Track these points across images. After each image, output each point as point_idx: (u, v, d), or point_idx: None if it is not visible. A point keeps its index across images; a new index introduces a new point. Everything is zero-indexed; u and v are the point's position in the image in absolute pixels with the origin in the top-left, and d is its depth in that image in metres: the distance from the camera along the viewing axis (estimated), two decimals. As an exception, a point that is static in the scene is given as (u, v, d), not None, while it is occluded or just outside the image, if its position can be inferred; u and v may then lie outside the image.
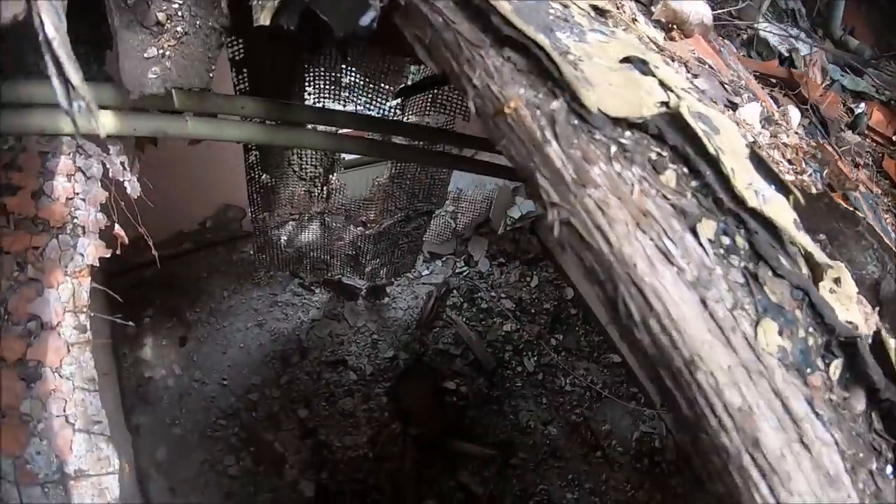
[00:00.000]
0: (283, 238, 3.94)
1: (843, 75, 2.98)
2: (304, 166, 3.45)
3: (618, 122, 0.86)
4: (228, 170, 3.68)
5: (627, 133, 0.86)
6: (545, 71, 0.89)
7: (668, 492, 4.51)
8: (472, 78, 0.92)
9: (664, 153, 0.85)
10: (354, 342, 4.63)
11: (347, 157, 4.22)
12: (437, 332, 4.89)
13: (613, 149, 0.84)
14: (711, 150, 0.83)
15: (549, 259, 5.63)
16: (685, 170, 0.84)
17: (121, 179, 1.92)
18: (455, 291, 5.18)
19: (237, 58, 2.29)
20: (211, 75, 1.71)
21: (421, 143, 3.14)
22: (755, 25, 2.93)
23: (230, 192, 4.39)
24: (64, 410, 1.69)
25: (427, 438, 4.21)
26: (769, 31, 2.97)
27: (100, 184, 1.89)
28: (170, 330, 4.31)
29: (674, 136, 0.85)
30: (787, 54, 2.92)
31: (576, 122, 0.86)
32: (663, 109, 0.87)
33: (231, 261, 4.79)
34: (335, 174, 3.56)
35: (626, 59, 0.97)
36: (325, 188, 3.64)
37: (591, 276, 0.82)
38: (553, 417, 4.67)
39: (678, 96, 0.89)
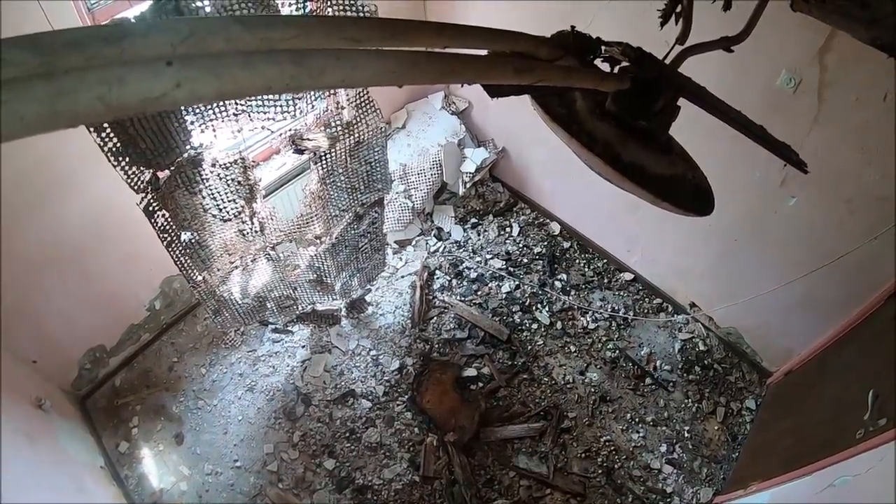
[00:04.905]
0: (235, 291, 3.47)
1: None
2: (221, 206, 2.96)
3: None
4: (150, 241, 3.19)
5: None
6: None
7: (728, 389, 4.20)
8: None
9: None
10: (355, 367, 4.17)
11: (265, 180, 3.76)
12: (435, 323, 4.45)
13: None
14: None
15: (522, 200, 5.21)
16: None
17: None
18: (438, 272, 4.74)
19: None
20: None
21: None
22: None
23: (165, 264, 3.90)
24: None
25: (468, 438, 3.82)
26: None
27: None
28: (161, 432, 3.85)
29: None
30: None
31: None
32: None
33: (197, 333, 4.30)
34: (259, 201, 3.07)
35: None
36: (254, 221, 3.16)
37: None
38: (588, 363, 4.29)
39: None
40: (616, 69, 1.29)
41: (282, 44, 0.51)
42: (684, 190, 1.33)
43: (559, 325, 4.47)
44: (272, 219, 3.23)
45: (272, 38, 0.51)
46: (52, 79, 0.40)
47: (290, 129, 3.10)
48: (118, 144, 2.29)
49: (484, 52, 1.00)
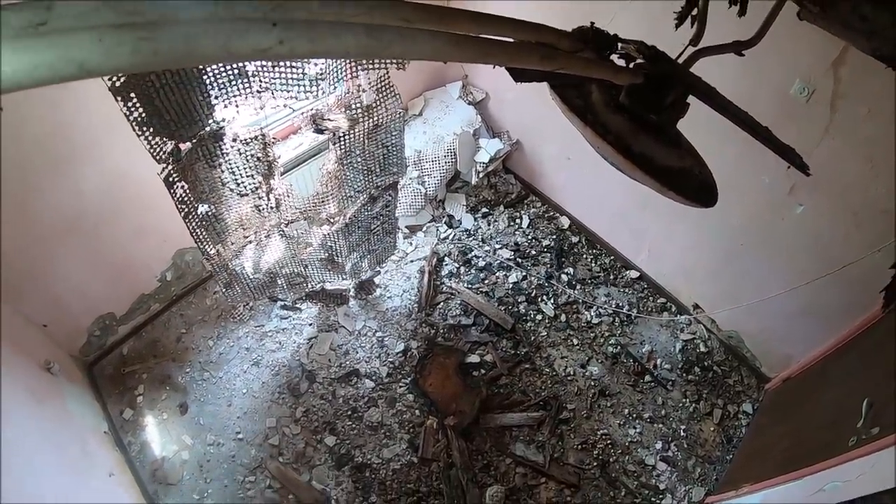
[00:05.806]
0: (247, 265, 3.52)
1: None
2: (240, 181, 3.01)
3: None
4: (165, 214, 3.24)
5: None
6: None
7: (726, 392, 4.26)
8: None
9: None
10: (360, 347, 4.25)
11: (283, 158, 3.81)
12: (441, 308, 4.51)
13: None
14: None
15: (533, 193, 5.26)
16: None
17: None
18: (447, 258, 4.80)
19: None
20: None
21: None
22: None
23: (178, 236, 3.95)
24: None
25: (467, 423, 3.88)
26: None
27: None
28: (166, 401, 3.92)
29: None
30: None
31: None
32: None
33: (206, 306, 4.37)
34: (276, 178, 3.12)
35: None
36: (271, 197, 3.21)
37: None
38: (589, 356, 4.35)
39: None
40: (631, 65, 1.34)
41: (351, 18, 0.59)
42: (690, 182, 1.38)
43: (563, 317, 4.53)
44: (288, 196, 3.27)
45: (344, 14, 0.60)
46: (183, 25, 0.46)
47: (311, 109, 3.14)
48: (143, 114, 2.33)
49: (511, 40, 1.06)
